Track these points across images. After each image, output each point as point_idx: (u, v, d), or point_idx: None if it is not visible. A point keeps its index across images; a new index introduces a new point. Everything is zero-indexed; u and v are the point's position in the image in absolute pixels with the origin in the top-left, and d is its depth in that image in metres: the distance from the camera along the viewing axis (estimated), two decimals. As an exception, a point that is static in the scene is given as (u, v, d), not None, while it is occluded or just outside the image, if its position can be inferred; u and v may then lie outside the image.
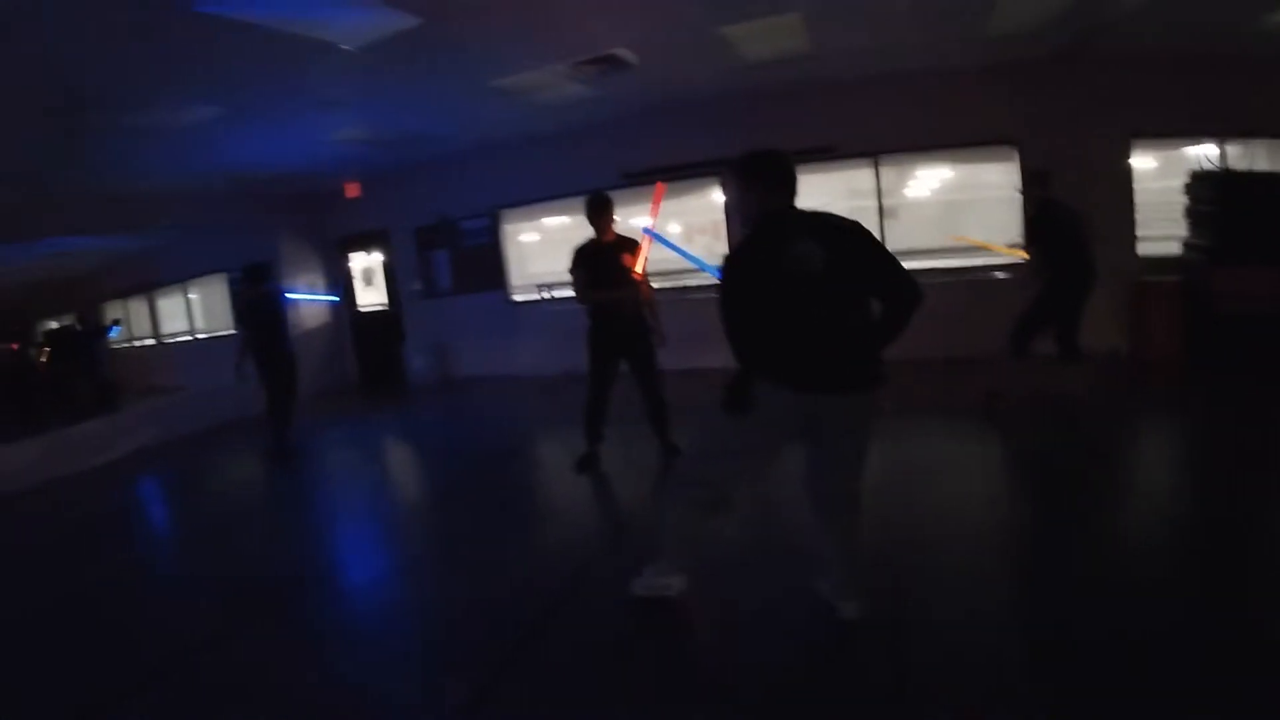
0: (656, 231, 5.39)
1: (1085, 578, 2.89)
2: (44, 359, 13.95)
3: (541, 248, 9.29)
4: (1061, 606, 2.71)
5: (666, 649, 2.72)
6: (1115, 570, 2.93)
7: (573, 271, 4.68)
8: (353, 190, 9.75)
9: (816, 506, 2.73)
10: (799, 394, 2.48)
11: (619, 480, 4.82)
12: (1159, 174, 7.48)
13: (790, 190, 2.57)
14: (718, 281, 2.59)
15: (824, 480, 2.67)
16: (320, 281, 10.52)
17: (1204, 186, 6.61)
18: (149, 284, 13.59)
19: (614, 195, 4.83)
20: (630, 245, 4.77)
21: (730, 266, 2.58)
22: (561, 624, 2.95)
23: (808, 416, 2.52)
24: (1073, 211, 5.26)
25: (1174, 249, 7.01)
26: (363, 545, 4.39)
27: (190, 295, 12.87)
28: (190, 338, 13.09)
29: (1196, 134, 7.28)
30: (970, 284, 7.42)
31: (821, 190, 7.73)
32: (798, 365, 2.48)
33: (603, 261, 4.66)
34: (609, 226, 4.71)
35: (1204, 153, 7.13)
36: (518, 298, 9.33)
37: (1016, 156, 7.31)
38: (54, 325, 15.94)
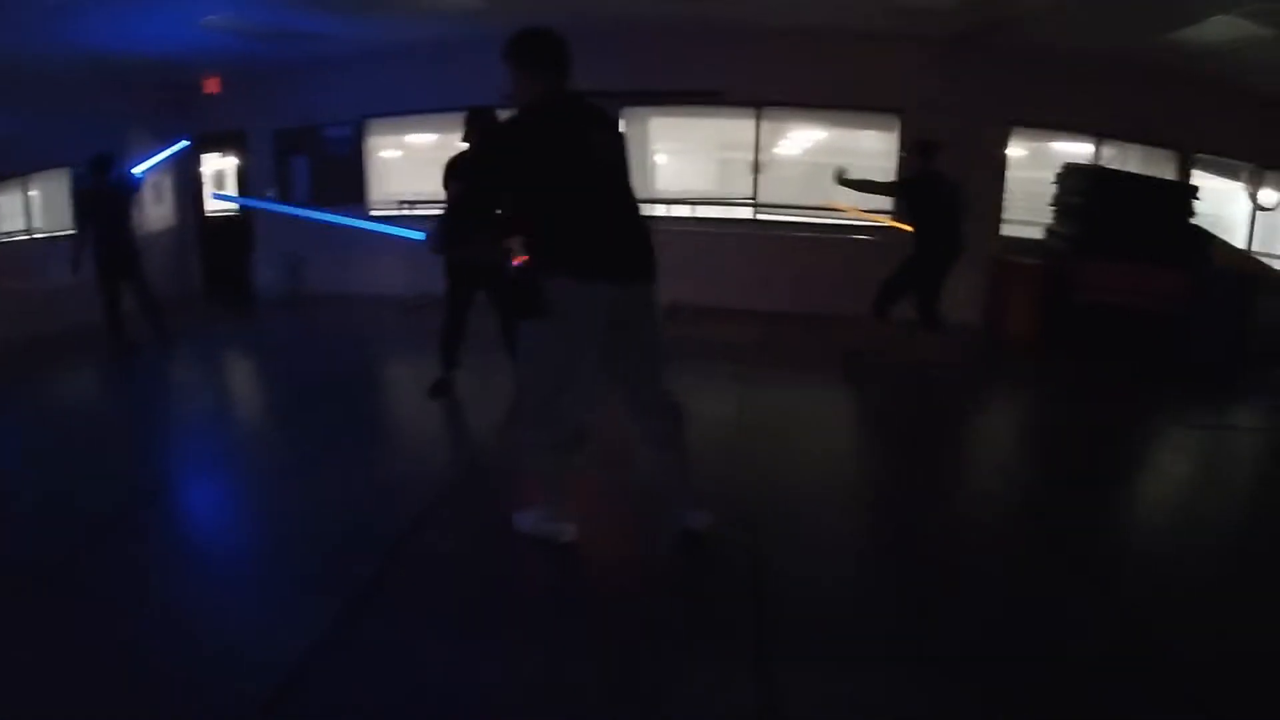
0: None
1: (920, 522, 3.15)
2: None
3: (405, 165, 8.82)
4: (895, 542, 2.98)
5: (501, 572, 2.66)
6: (946, 515, 3.27)
7: (448, 185, 4.34)
8: (212, 85, 8.96)
9: (637, 416, 2.66)
10: (606, 285, 2.36)
11: (473, 406, 4.74)
12: (1027, 163, 7.72)
13: (567, 73, 2.48)
14: (474, 165, 2.44)
15: (637, 381, 2.60)
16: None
17: (1075, 179, 6.77)
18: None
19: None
20: None
21: (504, 151, 2.44)
22: (410, 549, 2.80)
23: (611, 310, 2.38)
24: (951, 184, 5.30)
25: (1033, 233, 7.21)
26: (204, 465, 4.02)
27: (30, 191, 11.72)
28: (27, 236, 11.92)
29: (1074, 130, 7.52)
30: (836, 243, 7.45)
31: (695, 140, 7.76)
32: (605, 254, 2.39)
33: None
34: None
35: (1078, 148, 7.36)
36: (378, 214, 8.74)
37: (899, 126, 7.35)
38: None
